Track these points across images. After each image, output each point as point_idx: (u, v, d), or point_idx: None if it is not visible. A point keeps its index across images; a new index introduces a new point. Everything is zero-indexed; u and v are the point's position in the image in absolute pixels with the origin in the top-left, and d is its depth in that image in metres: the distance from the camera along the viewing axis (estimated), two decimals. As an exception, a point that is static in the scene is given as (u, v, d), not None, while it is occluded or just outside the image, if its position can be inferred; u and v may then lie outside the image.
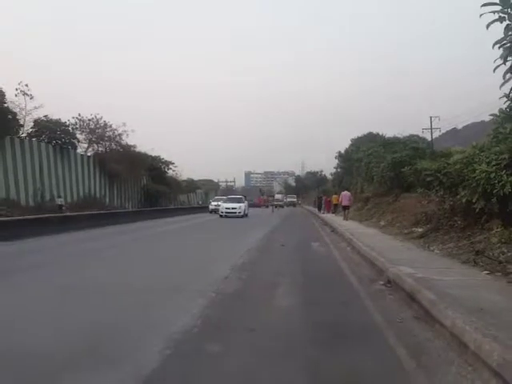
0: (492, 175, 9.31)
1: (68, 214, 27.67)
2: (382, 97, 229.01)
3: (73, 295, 6.74)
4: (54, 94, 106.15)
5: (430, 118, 51.59)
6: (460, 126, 70.35)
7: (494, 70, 5.40)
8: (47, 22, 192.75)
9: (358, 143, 46.01)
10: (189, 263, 10.31)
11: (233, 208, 34.60)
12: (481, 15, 5.04)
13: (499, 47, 4.93)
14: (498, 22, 4.91)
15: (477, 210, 10.19)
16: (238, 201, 36.87)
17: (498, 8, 4.90)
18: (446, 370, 3.83)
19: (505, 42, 4.85)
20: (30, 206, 31.78)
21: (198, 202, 77.31)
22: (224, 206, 35.50)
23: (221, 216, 34.07)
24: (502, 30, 4.97)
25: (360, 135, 50.75)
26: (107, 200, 44.67)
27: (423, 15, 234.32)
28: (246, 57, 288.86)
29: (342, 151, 53.18)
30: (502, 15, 4.90)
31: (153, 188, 52.80)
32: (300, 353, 4.30)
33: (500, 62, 5.29)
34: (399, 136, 38.27)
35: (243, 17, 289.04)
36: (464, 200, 10.66)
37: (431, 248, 10.65)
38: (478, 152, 10.72)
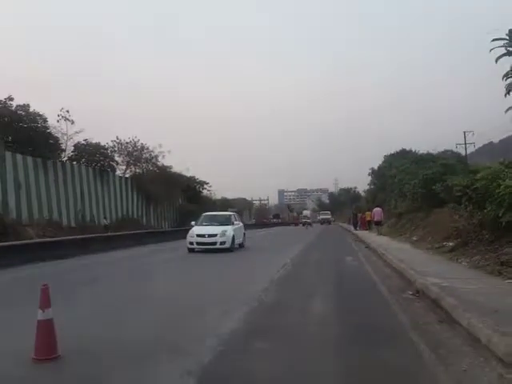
0: (516, 190, 9.78)
1: (113, 233, 28.86)
2: (416, 112, 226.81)
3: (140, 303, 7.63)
4: (93, 119, 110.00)
5: (464, 132, 51.43)
6: (497, 140, 69.25)
7: (505, 95, 6.01)
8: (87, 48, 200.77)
9: (390, 160, 46.11)
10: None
11: (210, 235, 18.91)
12: (491, 50, 5.70)
13: (506, 79, 5.55)
14: (507, 56, 5.56)
15: (503, 224, 10.62)
16: (224, 221, 20.63)
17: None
18: (460, 360, 4.44)
19: (510, 74, 5.48)
20: (71, 226, 33.25)
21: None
22: (196, 231, 19.37)
23: (190, 250, 18.87)
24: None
25: (393, 152, 50.86)
26: (144, 220, 46.04)
27: (456, 23, 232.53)
28: (281, 73, 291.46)
29: (375, 168, 53.33)
30: (511, 49, 5.54)
31: (188, 208, 54.00)
32: (338, 348, 5.07)
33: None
34: (432, 152, 38.40)
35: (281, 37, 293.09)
36: (491, 214, 11.10)
37: (459, 261, 11.12)
38: (503, 168, 11.18)
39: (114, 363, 4.50)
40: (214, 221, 20.61)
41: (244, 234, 21.86)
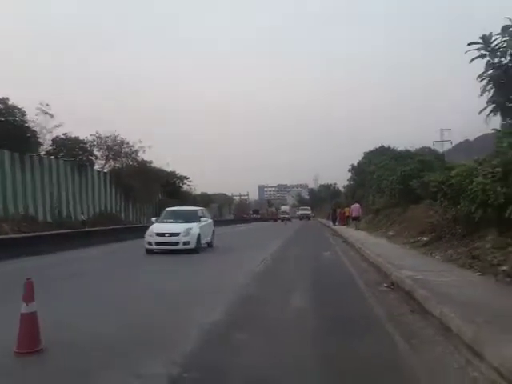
0: (487, 187, 10.11)
1: (91, 229, 28.54)
2: (396, 109, 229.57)
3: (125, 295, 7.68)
4: (72, 113, 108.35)
5: (441, 130, 52.40)
6: (473, 138, 70.49)
7: (479, 96, 6.27)
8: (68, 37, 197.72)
9: (370, 156, 46.72)
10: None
11: (171, 234, 16.53)
12: (466, 52, 5.97)
13: (480, 80, 5.82)
14: (480, 58, 5.82)
15: (476, 219, 10.97)
16: (189, 217, 17.92)
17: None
18: (432, 349, 4.66)
19: (484, 76, 5.74)
20: (47, 221, 32.78)
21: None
22: (156, 229, 16.95)
23: (148, 252, 16.47)
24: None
25: (372, 148, 51.46)
26: (123, 215, 45.74)
27: (437, 20, 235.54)
28: (261, 68, 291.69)
29: (355, 164, 53.92)
30: (484, 52, 5.80)
31: (167, 203, 53.74)
32: (314, 336, 5.30)
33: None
34: (410, 149, 39.05)
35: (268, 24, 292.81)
36: (464, 210, 11.44)
37: (433, 255, 11.46)
38: (476, 165, 11.52)
39: (97, 355, 4.59)
40: (177, 217, 17.79)
41: (213, 231, 19.40)
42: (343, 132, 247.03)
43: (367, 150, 50.84)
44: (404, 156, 31.99)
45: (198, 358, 4.44)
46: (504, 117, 5.64)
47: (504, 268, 8.22)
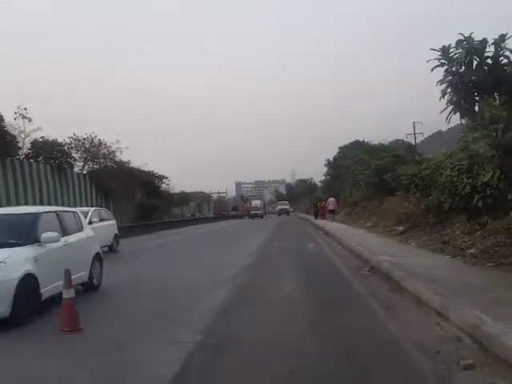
0: (455, 178, 11.14)
1: None
2: (370, 104, 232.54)
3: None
4: (48, 114, 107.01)
5: (413, 123, 53.94)
6: (445, 129, 72.56)
7: (440, 99, 7.23)
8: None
9: (345, 151, 47.93)
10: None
11: None
12: (428, 61, 6.92)
13: (440, 84, 6.77)
14: (440, 67, 6.78)
15: (446, 208, 12.02)
16: (12, 233, 6.77)
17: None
18: (408, 317, 5.58)
19: (444, 81, 6.70)
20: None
21: (187, 214, 76.28)
22: None
23: None
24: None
25: (347, 143, 52.69)
26: (103, 216, 45.90)
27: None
28: (231, 65, 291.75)
29: (331, 159, 55.15)
30: (443, 61, 6.76)
31: (147, 203, 54.09)
32: (306, 311, 6.17)
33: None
34: (384, 142, 40.28)
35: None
36: (435, 200, 12.50)
37: (408, 242, 12.50)
38: (445, 159, 12.56)
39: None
40: None
41: (99, 257, 9.12)
42: (319, 127, 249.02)
43: (342, 145, 52.12)
44: (378, 150, 33.12)
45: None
46: (462, 116, 6.58)
47: (471, 251, 9.22)
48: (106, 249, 15.42)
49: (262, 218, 61.58)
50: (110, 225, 17.12)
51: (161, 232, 30.51)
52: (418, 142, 53.66)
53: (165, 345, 4.83)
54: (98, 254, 8.81)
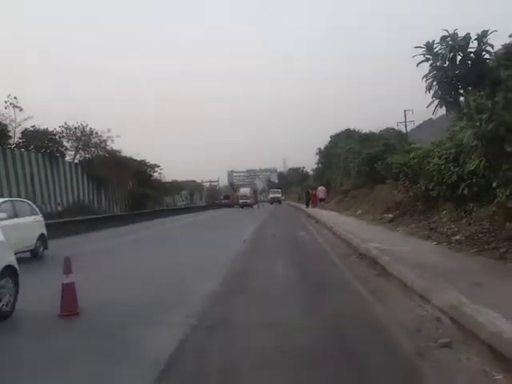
0: (442, 167, 11.42)
1: (74, 218, 28.85)
2: (362, 92, 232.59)
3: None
4: (42, 105, 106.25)
5: (404, 111, 54.24)
6: (436, 117, 72.84)
7: (426, 92, 7.43)
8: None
9: (336, 139, 48.10)
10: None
11: None
12: (413, 56, 7.14)
13: (426, 80, 6.98)
14: (425, 62, 6.99)
15: (433, 196, 12.31)
16: None
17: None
18: (392, 299, 5.87)
19: (429, 76, 6.91)
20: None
21: (176, 203, 75.14)
22: None
23: None
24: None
25: (338, 132, 52.89)
26: (96, 205, 45.97)
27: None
28: (229, 57, 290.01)
29: (322, 148, 55.33)
30: (428, 56, 6.97)
31: (139, 191, 54.18)
32: (297, 295, 6.46)
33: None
34: (375, 131, 40.53)
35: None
36: (423, 188, 12.79)
37: (397, 229, 12.81)
38: (432, 148, 12.83)
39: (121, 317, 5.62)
40: None
41: (12, 271, 6.16)
42: (310, 116, 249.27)
43: (334, 134, 52.29)
44: (369, 138, 33.41)
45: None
46: (447, 109, 6.79)
47: (457, 237, 9.53)
48: (28, 254, 12.43)
49: (251, 206, 58.99)
50: (32, 222, 13.05)
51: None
52: (409, 130, 54.04)
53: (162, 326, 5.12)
54: (8, 266, 5.94)
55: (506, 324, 3.81)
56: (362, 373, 3.66)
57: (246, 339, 4.61)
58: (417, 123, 56.78)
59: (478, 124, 6.98)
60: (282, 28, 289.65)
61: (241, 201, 62.38)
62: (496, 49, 6.88)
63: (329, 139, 52.75)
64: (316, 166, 61.36)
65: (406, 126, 53.51)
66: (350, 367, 3.77)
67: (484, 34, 6.33)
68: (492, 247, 7.77)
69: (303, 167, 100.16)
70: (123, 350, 4.43)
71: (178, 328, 4.92)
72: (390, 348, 4.17)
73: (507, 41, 7.18)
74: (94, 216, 32.45)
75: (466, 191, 10.48)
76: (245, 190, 70.82)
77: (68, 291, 5.51)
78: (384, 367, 3.74)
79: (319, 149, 56.36)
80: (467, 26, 6.88)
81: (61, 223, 24.59)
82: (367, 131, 41.71)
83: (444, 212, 11.65)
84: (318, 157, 57.68)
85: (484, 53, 6.47)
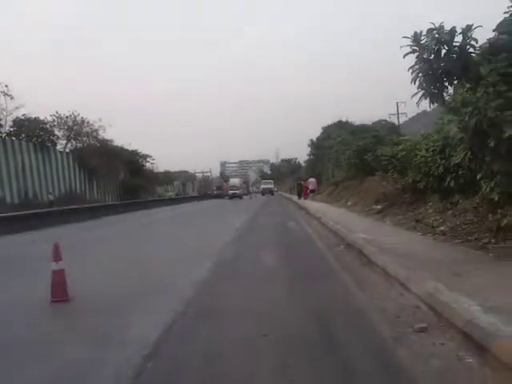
0: (429, 159, 11.60)
1: (71, 207, 28.87)
2: (354, 83, 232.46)
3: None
4: (31, 91, 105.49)
5: (397, 103, 54.31)
6: (430, 109, 72.92)
7: (411, 83, 7.57)
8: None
9: (328, 131, 48.24)
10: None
11: None
12: (401, 47, 7.23)
13: (412, 72, 7.10)
14: (412, 54, 7.10)
15: (420, 188, 12.50)
16: None
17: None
18: (374, 288, 6.02)
19: (415, 67, 7.03)
20: (15, 203, 32.94)
21: (169, 194, 74.16)
22: None
23: None
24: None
25: (330, 123, 52.99)
26: (87, 195, 45.94)
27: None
28: (215, 48, 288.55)
29: (314, 139, 55.45)
30: (415, 48, 7.08)
31: (131, 181, 54.11)
32: (284, 283, 6.64)
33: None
34: (368, 123, 40.70)
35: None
36: (411, 180, 12.97)
37: (385, 220, 13.01)
38: (421, 140, 13.00)
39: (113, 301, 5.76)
40: None
41: None
42: (303, 107, 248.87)
43: (326, 125, 52.41)
44: (361, 130, 33.56)
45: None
46: (431, 101, 6.92)
47: (441, 228, 9.72)
48: None
49: (241, 198, 57.10)
50: None
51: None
52: (402, 122, 54.09)
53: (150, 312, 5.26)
54: None
55: (480, 312, 3.97)
56: (341, 356, 3.80)
57: (232, 325, 4.75)
58: (410, 115, 56.73)
59: (463, 117, 7.13)
60: (276, 20, 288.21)
61: (230, 191, 60.46)
62: (481, 42, 7.01)
63: (321, 131, 52.90)
64: (308, 157, 61.54)
65: (398, 118, 53.59)
66: (330, 351, 3.91)
67: (468, 28, 6.45)
68: (474, 238, 7.95)
69: (296, 158, 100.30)
70: (110, 334, 4.56)
71: (165, 314, 5.04)
72: (369, 333, 4.33)
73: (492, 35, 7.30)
74: (86, 206, 32.51)
75: (452, 183, 10.68)
76: (234, 181, 68.67)
77: (57, 278, 5.61)
78: (362, 351, 3.90)
79: (311, 140, 56.53)
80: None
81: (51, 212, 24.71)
82: (359, 123, 41.94)
83: (430, 203, 11.83)
84: (310, 148, 57.84)
85: (468, 47, 6.58)
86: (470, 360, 3.54)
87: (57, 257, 5.65)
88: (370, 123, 41.62)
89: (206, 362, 3.79)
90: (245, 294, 6.03)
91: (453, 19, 6.69)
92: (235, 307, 5.42)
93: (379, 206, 15.79)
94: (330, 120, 54.36)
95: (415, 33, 7.04)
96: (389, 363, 3.64)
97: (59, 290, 5.64)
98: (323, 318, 4.85)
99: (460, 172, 10.34)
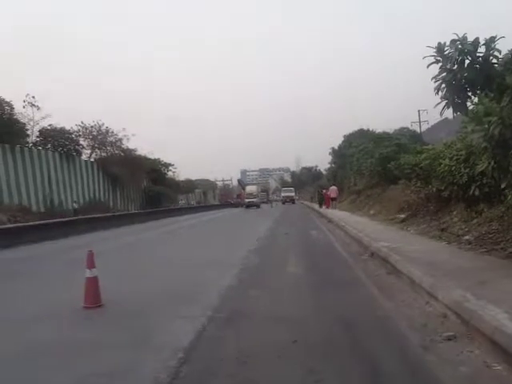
0: (453, 168, 11.58)
1: (94, 215, 29.36)
2: (376, 91, 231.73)
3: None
4: (58, 103, 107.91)
5: (418, 111, 53.97)
6: (451, 116, 72.22)
7: (435, 94, 7.65)
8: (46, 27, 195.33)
9: (349, 139, 48.10)
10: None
11: None
12: (424, 57, 7.34)
13: (435, 81, 7.19)
14: (435, 63, 7.20)
15: (445, 196, 12.48)
16: None
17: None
18: (400, 296, 6.09)
19: (438, 78, 7.12)
20: (41, 211, 33.63)
21: (190, 202, 74.27)
22: None
23: None
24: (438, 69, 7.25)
25: (352, 131, 52.84)
26: (111, 203, 46.59)
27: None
28: (239, 57, 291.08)
29: (336, 147, 55.35)
30: (438, 58, 7.17)
31: (154, 190, 54.74)
32: (309, 290, 6.75)
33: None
34: (389, 131, 40.46)
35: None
36: (435, 189, 12.95)
37: (409, 229, 12.98)
38: (444, 149, 12.98)
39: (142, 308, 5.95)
40: None
41: None
42: (323, 115, 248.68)
43: (347, 133, 52.29)
44: (383, 138, 33.43)
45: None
46: (454, 111, 7.00)
47: (467, 237, 9.70)
48: None
49: (258, 206, 53.32)
50: None
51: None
52: (424, 129, 53.67)
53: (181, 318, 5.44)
54: None
55: (507, 319, 4.03)
56: (371, 362, 3.89)
57: (261, 331, 4.88)
58: (431, 123, 56.27)
59: (486, 127, 7.16)
60: (293, 24, 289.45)
61: (246, 200, 55.25)
62: (504, 53, 7.07)
63: (342, 139, 52.79)
64: (329, 165, 61.35)
65: (420, 125, 53.28)
66: (360, 357, 4.00)
67: (492, 39, 6.52)
68: (500, 247, 7.95)
69: (316, 166, 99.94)
70: (144, 338, 4.74)
71: (196, 319, 5.21)
72: (397, 340, 4.40)
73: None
74: (110, 214, 33.03)
75: (476, 192, 10.64)
76: (251, 188, 62.99)
77: (91, 284, 5.83)
78: (391, 357, 3.97)
79: (332, 148, 56.38)
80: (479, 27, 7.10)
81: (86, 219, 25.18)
82: (381, 131, 41.72)
83: (455, 213, 11.79)
84: (331, 156, 57.69)
85: (491, 57, 6.65)
86: (498, 367, 3.61)
87: (90, 264, 5.87)
88: (392, 131, 41.36)
89: (238, 366, 3.91)
90: (273, 302, 6.14)
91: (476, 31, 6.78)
92: (263, 314, 5.54)
93: (403, 215, 15.75)
94: (351, 128, 54.27)
95: (439, 43, 7.12)
96: (418, 369, 3.73)
97: (92, 297, 5.86)
98: (351, 324, 4.94)
99: (484, 181, 10.31)
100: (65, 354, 4.41)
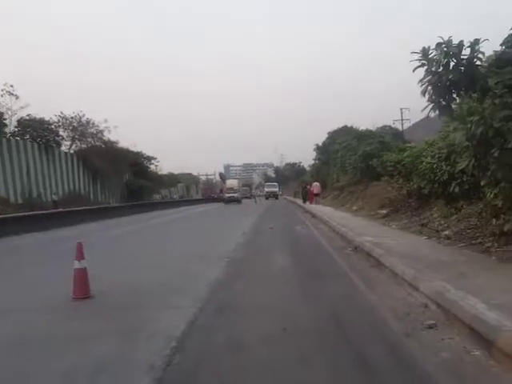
0: (434, 166, 11.90)
1: (77, 208, 28.93)
2: (358, 89, 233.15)
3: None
4: (37, 93, 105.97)
5: (401, 109, 54.56)
6: (433, 115, 73.12)
7: (422, 96, 7.87)
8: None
9: (334, 136, 48.50)
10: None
11: None
12: (410, 61, 7.57)
13: (421, 85, 7.42)
14: (421, 67, 7.43)
15: (425, 193, 12.80)
16: None
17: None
18: (383, 288, 6.32)
19: (424, 81, 7.34)
20: (18, 203, 32.99)
21: (172, 196, 74.20)
22: None
23: None
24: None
25: (336, 128, 53.22)
26: (91, 196, 46.06)
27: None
28: (226, 50, 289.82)
29: (320, 144, 55.71)
30: (424, 62, 7.40)
31: (135, 183, 54.21)
32: (296, 282, 6.95)
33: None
34: (372, 128, 40.91)
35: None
36: (416, 186, 13.28)
37: (390, 225, 13.30)
38: (426, 147, 13.30)
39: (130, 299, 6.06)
40: None
41: None
42: (308, 111, 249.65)
43: (331, 130, 52.68)
44: (366, 135, 33.79)
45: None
46: (440, 113, 7.23)
47: (446, 232, 10.00)
48: None
49: (239, 202, 52.03)
50: None
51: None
52: (405, 128, 54.25)
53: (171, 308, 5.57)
54: None
55: (485, 308, 4.27)
56: (357, 349, 4.08)
57: (252, 320, 5.05)
58: (413, 121, 56.96)
59: (468, 126, 7.42)
60: (285, 20, 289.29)
61: (226, 194, 53.30)
62: (487, 55, 7.32)
63: (326, 135, 53.19)
64: (313, 161, 61.65)
65: (402, 124, 53.90)
66: (347, 344, 4.19)
67: (476, 42, 6.75)
68: (478, 242, 8.25)
69: (300, 162, 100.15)
70: (136, 328, 4.82)
71: (187, 310, 5.35)
72: (381, 329, 4.61)
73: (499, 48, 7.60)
74: (96, 207, 32.73)
75: (456, 189, 10.97)
76: (231, 182, 60.39)
77: (80, 276, 5.91)
78: (376, 344, 4.16)
79: (317, 145, 56.74)
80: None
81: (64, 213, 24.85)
82: (364, 128, 42.13)
83: (435, 209, 12.13)
84: (315, 153, 58.02)
85: (475, 60, 6.88)
86: (477, 352, 3.83)
87: (79, 255, 5.95)
88: (375, 128, 41.83)
89: (231, 354, 4.06)
90: (261, 293, 6.31)
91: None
92: (252, 304, 5.72)
93: (385, 211, 16.08)
94: (334, 125, 54.62)
95: (423, 48, 7.34)
96: (401, 355, 3.93)
97: (81, 288, 5.93)
98: (337, 314, 5.13)
99: (464, 178, 10.64)
100: (55, 345, 4.45)
